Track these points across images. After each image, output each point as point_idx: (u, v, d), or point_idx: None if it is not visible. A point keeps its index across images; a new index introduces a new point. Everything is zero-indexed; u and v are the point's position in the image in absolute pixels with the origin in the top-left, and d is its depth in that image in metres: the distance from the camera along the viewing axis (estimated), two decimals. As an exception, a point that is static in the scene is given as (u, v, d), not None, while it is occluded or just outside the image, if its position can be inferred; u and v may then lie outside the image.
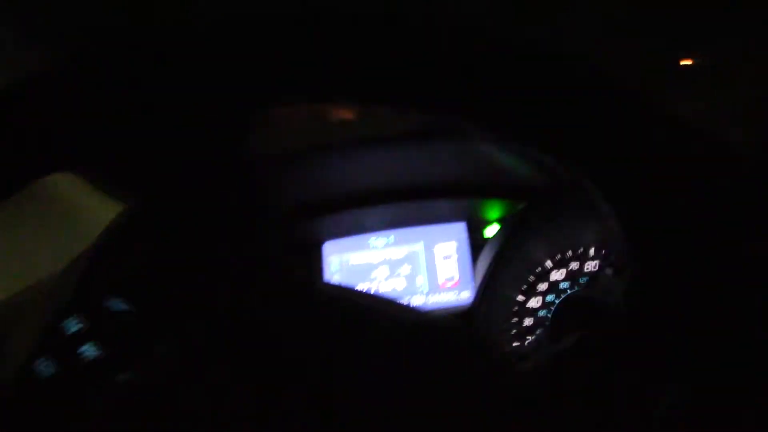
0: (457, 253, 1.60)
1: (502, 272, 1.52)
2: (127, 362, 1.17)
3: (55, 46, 1.02)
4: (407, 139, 1.41)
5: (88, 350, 1.07)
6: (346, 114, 1.32)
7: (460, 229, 1.61)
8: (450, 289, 1.59)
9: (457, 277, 1.59)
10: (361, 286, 1.64)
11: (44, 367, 0.86)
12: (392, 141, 1.42)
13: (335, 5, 0.58)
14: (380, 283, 1.63)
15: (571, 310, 1.50)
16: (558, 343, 0.74)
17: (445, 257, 1.61)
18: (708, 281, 0.57)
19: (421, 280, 1.61)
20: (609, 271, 1.49)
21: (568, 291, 1.52)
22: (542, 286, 1.55)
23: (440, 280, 1.60)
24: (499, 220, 1.59)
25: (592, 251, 1.52)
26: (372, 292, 0.75)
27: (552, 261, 1.54)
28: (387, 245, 1.64)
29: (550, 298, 1.54)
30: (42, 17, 0.99)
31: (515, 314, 1.56)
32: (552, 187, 1.48)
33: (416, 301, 1.61)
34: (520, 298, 1.56)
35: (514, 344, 1.55)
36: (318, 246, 1.67)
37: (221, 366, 0.62)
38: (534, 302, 1.55)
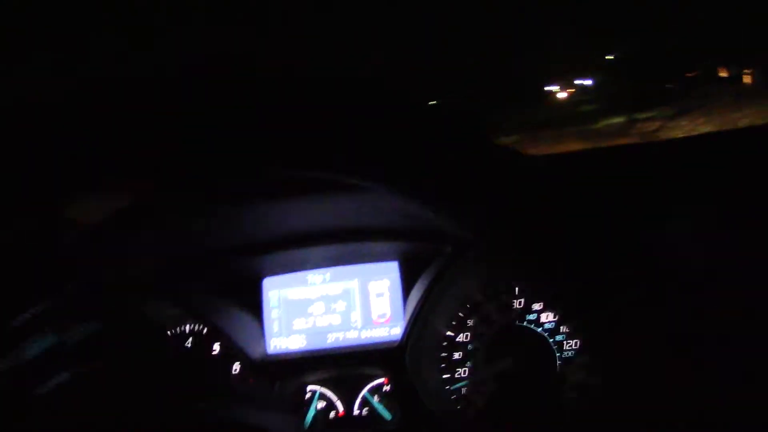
0: (389, 291, 1.68)
1: (431, 309, 1.61)
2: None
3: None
4: (326, 190, 1.48)
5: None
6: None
7: (392, 267, 1.69)
8: (382, 324, 1.67)
9: (389, 314, 1.67)
10: (299, 321, 1.70)
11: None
12: (317, 192, 1.48)
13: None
14: (317, 318, 1.69)
15: (502, 342, 1.60)
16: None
17: (378, 294, 1.68)
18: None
19: (356, 316, 1.68)
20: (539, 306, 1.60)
21: (497, 324, 1.62)
22: (471, 321, 1.65)
23: (374, 316, 1.68)
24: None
25: (517, 289, 1.62)
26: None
27: (481, 296, 1.65)
28: (324, 282, 1.70)
29: (480, 330, 1.64)
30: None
31: (444, 348, 1.65)
32: (468, 235, 1.57)
33: (350, 336, 1.68)
34: (450, 333, 1.65)
35: (445, 375, 1.64)
36: (258, 281, 1.72)
37: None
38: (462, 336, 1.65)
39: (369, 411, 1.65)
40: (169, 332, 1.76)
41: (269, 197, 1.45)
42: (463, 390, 1.64)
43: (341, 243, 1.65)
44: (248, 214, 1.54)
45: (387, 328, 1.67)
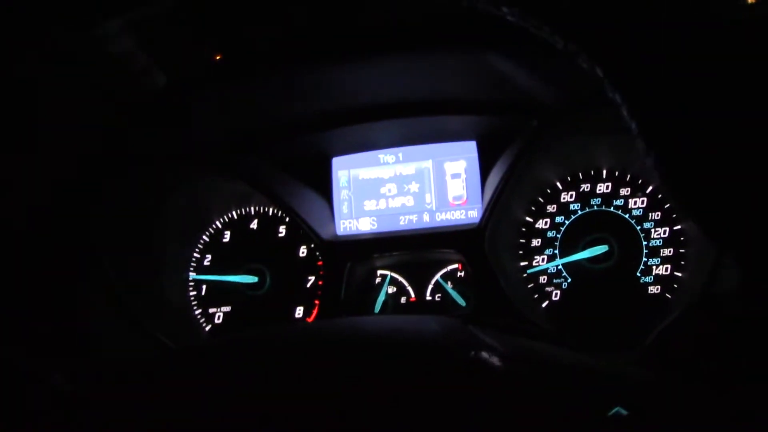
0: (465, 172, 1.59)
1: (510, 192, 1.51)
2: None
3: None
4: (417, 48, 1.36)
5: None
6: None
7: (470, 147, 1.59)
8: (459, 207, 1.58)
9: (465, 196, 1.58)
10: (370, 203, 1.62)
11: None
12: (402, 51, 1.37)
13: None
14: (388, 199, 1.61)
15: (584, 230, 1.51)
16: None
17: (454, 176, 1.59)
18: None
19: (430, 198, 1.59)
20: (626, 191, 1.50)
21: (579, 212, 1.53)
22: (551, 208, 1.55)
23: (449, 198, 1.59)
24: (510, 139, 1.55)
25: (604, 172, 1.52)
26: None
27: (562, 182, 1.54)
28: (396, 162, 1.61)
29: (559, 219, 1.54)
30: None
31: (523, 234, 1.57)
32: (565, 105, 1.45)
33: (425, 218, 1.59)
34: (528, 218, 1.56)
35: (522, 263, 1.55)
36: (327, 160, 1.64)
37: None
38: (542, 223, 1.56)
39: (442, 297, 1.58)
40: (234, 213, 1.71)
41: (347, 55, 1.34)
42: (541, 279, 1.56)
43: (415, 117, 1.53)
44: (318, 82, 1.44)
45: (463, 211, 1.58)
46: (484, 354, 0.61)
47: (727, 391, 0.59)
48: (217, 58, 1.37)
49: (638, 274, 1.50)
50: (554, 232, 1.55)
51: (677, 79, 0.53)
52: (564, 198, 1.55)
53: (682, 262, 1.48)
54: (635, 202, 1.51)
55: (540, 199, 1.57)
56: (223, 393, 0.60)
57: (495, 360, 0.60)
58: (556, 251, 1.55)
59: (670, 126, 0.54)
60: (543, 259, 1.56)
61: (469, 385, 0.57)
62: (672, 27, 0.54)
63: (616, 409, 0.47)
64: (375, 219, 1.61)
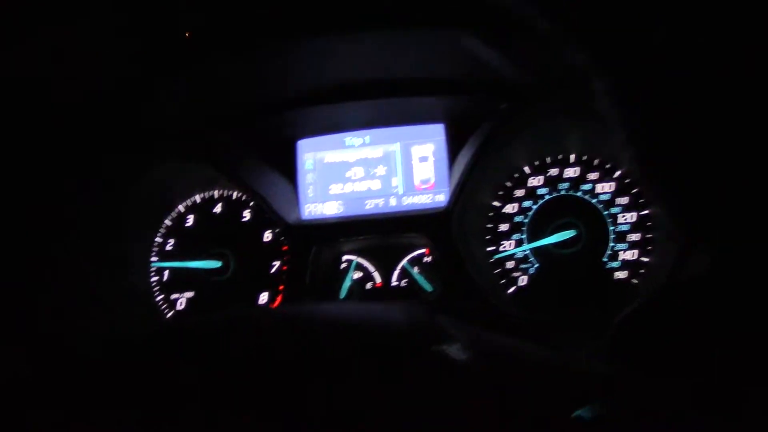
0: (434, 155, 1.56)
1: (478, 177, 1.49)
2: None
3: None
4: (388, 26, 1.32)
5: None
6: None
7: (438, 130, 1.56)
8: (426, 191, 1.56)
9: (433, 180, 1.56)
10: (335, 186, 1.59)
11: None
12: (371, 29, 1.33)
13: None
14: (354, 183, 1.59)
15: (551, 215, 1.50)
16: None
17: (422, 159, 1.57)
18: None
19: (397, 182, 1.57)
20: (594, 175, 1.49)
21: (546, 197, 1.51)
22: (519, 192, 1.54)
23: (416, 182, 1.56)
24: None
25: (573, 157, 1.50)
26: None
27: (530, 167, 1.53)
28: (363, 145, 1.58)
29: (526, 203, 1.53)
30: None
31: (491, 219, 1.55)
32: (535, 88, 1.42)
33: (390, 202, 1.57)
34: (496, 203, 1.55)
35: (489, 248, 1.54)
36: (292, 143, 1.61)
37: None
38: (510, 208, 1.54)
39: (408, 282, 1.56)
40: (198, 197, 1.67)
41: (313, 33, 1.29)
42: (508, 264, 1.55)
43: (383, 98, 1.50)
44: (283, 61, 1.39)
45: (430, 195, 1.56)
46: (448, 347, 0.60)
47: (692, 380, 0.58)
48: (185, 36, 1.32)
49: (605, 260, 1.49)
50: (522, 216, 1.54)
51: (665, 67, 0.51)
52: (532, 182, 1.54)
53: (649, 248, 1.47)
54: (603, 187, 1.50)
55: (508, 183, 1.55)
56: (178, 380, 0.58)
57: (459, 353, 0.58)
58: (524, 236, 1.53)
59: (655, 116, 0.52)
60: (510, 244, 1.54)
61: (430, 379, 0.55)
62: (663, 15, 0.52)
63: (578, 412, 0.46)
64: (341, 203, 1.58)
